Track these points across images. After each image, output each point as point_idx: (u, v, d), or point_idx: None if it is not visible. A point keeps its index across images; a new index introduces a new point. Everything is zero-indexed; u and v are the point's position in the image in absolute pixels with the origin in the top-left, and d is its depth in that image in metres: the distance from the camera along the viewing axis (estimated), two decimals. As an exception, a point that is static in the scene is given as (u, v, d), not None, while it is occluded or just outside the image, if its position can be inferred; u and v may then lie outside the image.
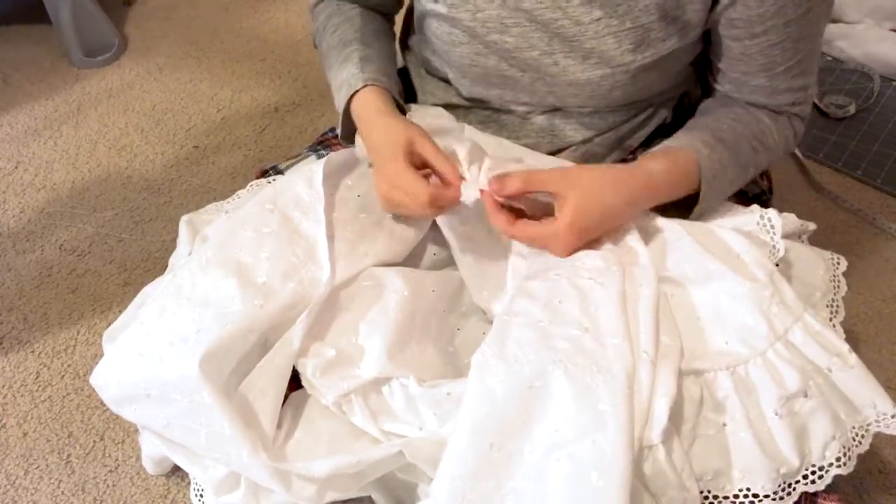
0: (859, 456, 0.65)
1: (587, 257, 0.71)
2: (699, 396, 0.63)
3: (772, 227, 0.73)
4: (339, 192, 0.80)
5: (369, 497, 0.77)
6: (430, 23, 0.81)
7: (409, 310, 0.73)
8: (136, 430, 1.01)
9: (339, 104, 0.84)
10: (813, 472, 0.63)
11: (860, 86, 1.56)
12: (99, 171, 1.47)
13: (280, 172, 0.90)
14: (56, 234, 1.34)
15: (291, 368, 0.71)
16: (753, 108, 0.81)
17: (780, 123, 0.81)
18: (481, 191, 0.72)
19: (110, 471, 1.00)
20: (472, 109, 0.89)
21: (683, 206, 0.78)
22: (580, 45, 0.74)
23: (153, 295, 0.73)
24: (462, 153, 0.75)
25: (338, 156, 0.81)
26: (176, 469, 0.97)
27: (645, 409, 0.60)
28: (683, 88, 0.89)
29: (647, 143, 0.89)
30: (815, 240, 0.83)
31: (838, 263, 0.77)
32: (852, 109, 1.49)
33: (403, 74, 0.97)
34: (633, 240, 0.73)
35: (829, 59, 1.64)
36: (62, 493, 0.98)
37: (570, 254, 0.72)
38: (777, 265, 0.71)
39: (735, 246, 0.71)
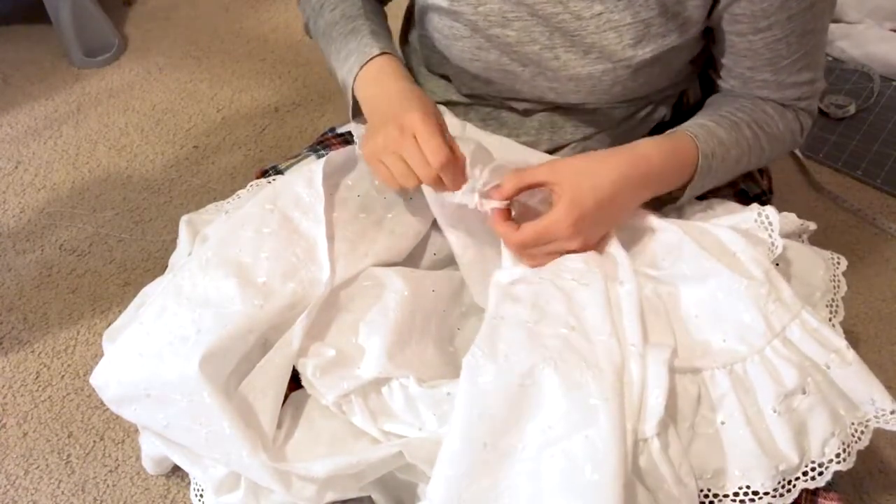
0: (859, 456, 0.65)
1: (568, 261, 0.71)
2: (697, 395, 0.63)
3: (770, 224, 0.73)
4: (339, 192, 0.80)
5: (369, 497, 0.77)
6: (431, 17, 0.81)
7: (409, 310, 0.73)
8: (136, 430, 1.01)
9: (347, 73, 0.80)
10: (812, 469, 0.63)
11: (860, 86, 1.56)
12: (99, 171, 1.47)
13: (280, 172, 0.90)
14: (56, 234, 1.34)
15: (291, 368, 0.71)
16: (759, 101, 0.81)
17: (786, 116, 0.81)
18: (492, 209, 0.72)
19: (110, 471, 1.00)
20: (472, 107, 0.89)
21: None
22: (581, 40, 0.75)
23: (153, 295, 0.73)
24: (467, 154, 0.75)
25: (338, 156, 0.81)
26: (176, 469, 0.97)
27: (637, 402, 0.60)
28: (683, 86, 0.89)
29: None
30: (815, 240, 0.83)
31: (838, 263, 0.77)
32: (852, 109, 1.49)
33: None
34: (611, 245, 0.73)
35: (830, 59, 1.64)
36: (62, 493, 0.98)
37: (582, 242, 0.71)
38: (777, 264, 0.71)
39: (731, 244, 0.71)
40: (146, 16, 1.93)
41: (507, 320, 0.66)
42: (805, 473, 0.63)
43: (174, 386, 0.67)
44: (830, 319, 0.73)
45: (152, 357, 0.68)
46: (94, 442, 1.03)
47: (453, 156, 0.70)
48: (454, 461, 0.59)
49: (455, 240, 0.78)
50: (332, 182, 0.79)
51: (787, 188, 1.37)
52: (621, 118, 0.85)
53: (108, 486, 0.99)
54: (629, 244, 0.75)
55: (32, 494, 0.98)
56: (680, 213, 0.80)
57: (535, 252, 0.73)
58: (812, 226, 0.81)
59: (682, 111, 0.93)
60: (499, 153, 0.80)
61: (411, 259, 0.82)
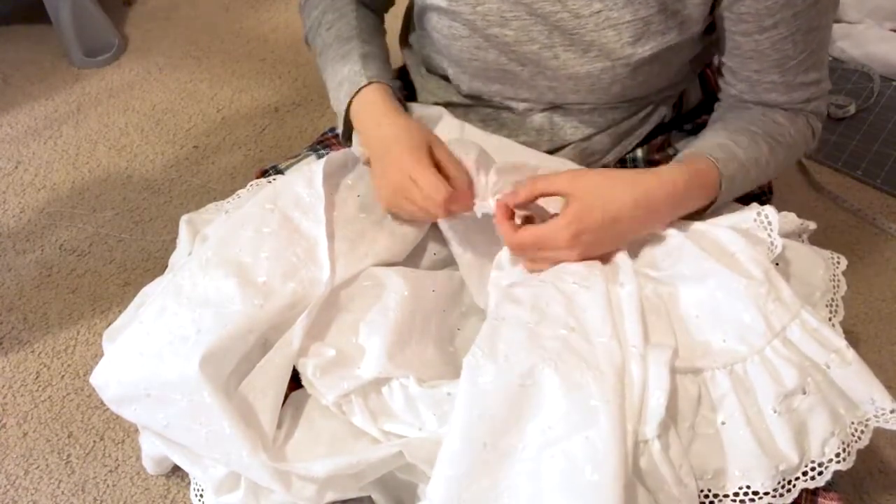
0: (859, 456, 0.65)
1: (569, 264, 0.71)
2: (697, 395, 0.63)
3: (769, 223, 0.73)
4: (339, 192, 0.80)
5: (369, 497, 0.77)
6: (430, 17, 0.81)
7: (409, 310, 0.73)
8: (136, 430, 1.01)
9: (340, 102, 0.83)
10: (812, 469, 0.63)
11: (860, 86, 1.56)
12: (99, 171, 1.47)
13: (280, 172, 0.90)
14: (56, 234, 1.34)
15: (291, 368, 0.71)
16: (767, 108, 0.80)
17: (797, 122, 0.80)
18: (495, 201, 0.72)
19: (110, 471, 1.00)
20: (472, 108, 0.89)
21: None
22: (580, 38, 0.75)
23: (153, 295, 0.73)
24: (470, 162, 0.75)
25: (338, 156, 0.81)
26: (176, 469, 0.97)
27: (638, 403, 0.60)
28: (683, 87, 0.89)
29: (646, 141, 0.89)
30: (815, 240, 0.83)
31: (838, 263, 0.77)
32: (852, 109, 1.50)
33: (403, 73, 0.97)
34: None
35: (830, 59, 1.64)
36: (62, 493, 0.98)
37: (580, 256, 0.70)
38: (776, 264, 0.71)
39: (731, 244, 0.71)
40: (146, 16, 1.93)
41: (508, 321, 0.66)
42: (805, 473, 0.63)
43: (174, 386, 0.67)
44: (830, 319, 0.73)
45: (152, 357, 0.68)
46: (94, 442, 1.03)
47: (452, 185, 0.72)
48: (454, 461, 0.59)
49: (454, 241, 0.78)
50: (332, 182, 0.79)
51: (787, 188, 1.37)
52: (621, 119, 0.85)
53: (108, 486, 0.98)
54: (630, 246, 0.75)
55: (32, 494, 0.98)
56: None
57: (532, 257, 0.73)
58: (812, 226, 0.81)
59: (682, 112, 0.93)
60: (498, 154, 0.80)
61: (411, 259, 0.82)
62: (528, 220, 0.75)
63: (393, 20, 0.95)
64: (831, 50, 1.64)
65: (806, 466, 0.63)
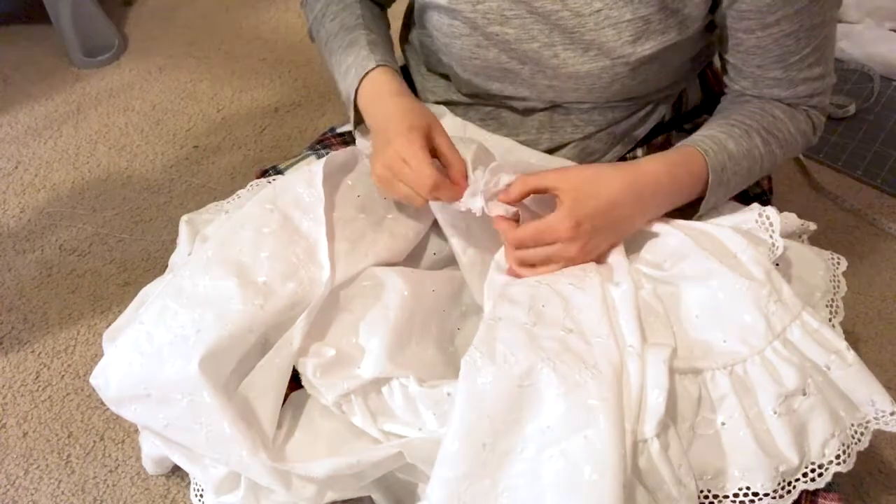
0: (859, 456, 0.65)
1: (565, 269, 0.71)
2: (697, 395, 0.63)
3: (770, 224, 0.73)
4: (339, 192, 0.80)
5: (369, 497, 0.77)
6: (430, 15, 0.81)
7: (409, 310, 0.73)
8: (136, 430, 1.01)
9: (349, 87, 0.82)
10: (812, 471, 0.63)
11: (860, 86, 1.56)
12: (99, 171, 1.47)
13: (280, 172, 0.90)
14: (56, 234, 1.34)
15: (291, 368, 0.71)
16: (767, 103, 0.80)
17: (797, 118, 0.80)
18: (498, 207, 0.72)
19: (110, 471, 1.00)
20: (472, 106, 0.89)
21: (689, 205, 0.77)
22: (580, 37, 0.75)
23: (153, 295, 0.73)
24: (468, 156, 0.75)
25: (338, 156, 0.81)
26: (176, 469, 0.97)
27: (637, 402, 0.60)
28: (682, 86, 0.89)
29: (646, 140, 0.89)
30: (815, 240, 0.83)
31: (838, 263, 0.77)
32: (852, 109, 1.49)
33: (404, 72, 0.97)
34: (611, 253, 0.73)
35: (829, 59, 1.64)
36: (62, 493, 0.98)
37: (579, 251, 0.70)
38: (777, 265, 0.71)
39: (732, 245, 0.71)
40: (146, 16, 1.93)
41: (505, 321, 0.66)
42: (805, 475, 0.63)
43: (174, 385, 0.67)
44: (830, 320, 0.73)
45: (152, 357, 0.68)
46: (94, 442, 1.03)
47: (448, 174, 0.72)
48: (453, 462, 0.59)
49: (455, 240, 0.78)
50: (332, 182, 0.79)
51: (787, 188, 1.37)
52: (621, 118, 0.85)
53: (108, 486, 0.98)
54: (630, 245, 0.75)
55: (32, 494, 0.98)
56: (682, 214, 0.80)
57: (533, 255, 0.72)
58: (812, 226, 0.81)
59: (682, 112, 0.93)
60: (498, 153, 0.80)
61: (411, 259, 0.82)
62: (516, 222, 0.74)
63: (393, 21, 0.95)
64: (831, 50, 1.64)
65: (806, 468, 0.63)
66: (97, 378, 0.71)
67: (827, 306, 0.74)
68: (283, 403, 0.72)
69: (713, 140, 0.76)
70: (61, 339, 1.17)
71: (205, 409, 0.66)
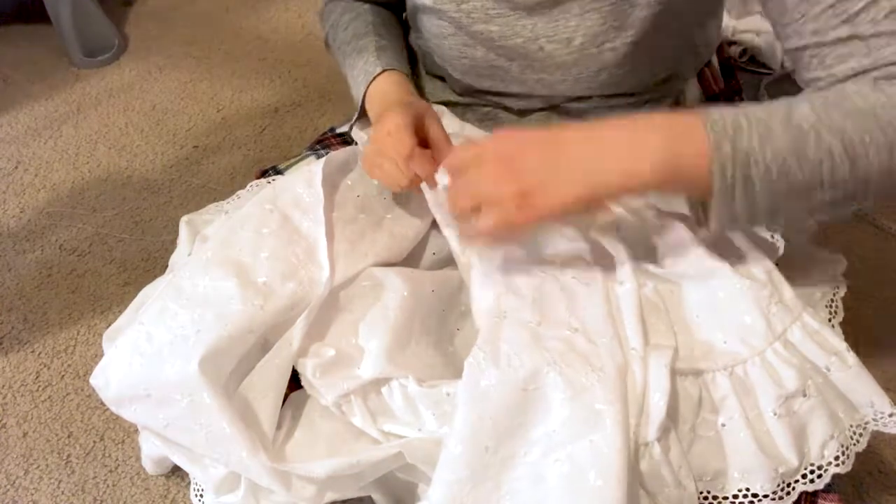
0: (859, 456, 0.65)
1: (571, 259, 0.70)
2: (698, 397, 0.63)
3: None
4: (339, 192, 0.80)
5: (369, 497, 0.77)
6: (420, 17, 0.83)
7: (409, 310, 0.73)
8: (136, 430, 1.01)
9: (358, 94, 0.85)
10: (812, 472, 0.63)
11: (860, 86, 1.56)
12: (99, 171, 1.47)
13: (280, 172, 0.90)
14: (56, 234, 1.34)
15: (291, 369, 0.71)
16: (840, 93, 0.57)
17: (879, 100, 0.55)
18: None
19: (110, 471, 1.00)
20: (469, 107, 0.89)
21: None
22: (564, 26, 0.74)
23: (153, 295, 0.73)
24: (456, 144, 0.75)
25: (338, 156, 0.81)
26: (176, 469, 0.97)
27: (639, 405, 0.60)
28: (679, 84, 0.89)
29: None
30: (815, 240, 0.83)
31: (838, 263, 0.77)
32: (852, 109, 1.49)
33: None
34: (610, 243, 0.72)
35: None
36: (62, 493, 0.98)
37: (513, 178, 0.59)
38: (777, 265, 0.71)
39: (734, 243, 0.71)
40: (146, 16, 1.93)
41: (510, 318, 0.66)
42: (804, 476, 0.63)
43: (174, 386, 0.67)
44: (830, 320, 0.73)
45: (152, 357, 0.68)
46: (94, 442, 1.03)
47: (439, 152, 0.72)
48: (455, 465, 0.59)
49: (454, 240, 0.78)
50: (331, 182, 0.79)
51: (787, 188, 1.37)
52: (621, 117, 0.84)
53: (108, 486, 0.99)
54: (632, 240, 0.75)
55: (32, 494, 0.98)
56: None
57: (464, 188, 0.62)
58: (812, 226, 0.81)
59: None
60: None
61: (411, 259, 0.82)
62: None
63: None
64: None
65: (805, 469, 0.63)
66: (97, 378, 0.71)
67: (827, 306, 0.74)
68: (283, 404, 0.72)
69: (742, 116, 0.55)
70: (61, 339, 1.17)
71: (205, 410, 0.66)
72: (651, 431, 0.59)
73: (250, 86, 1.68)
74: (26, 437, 1.04)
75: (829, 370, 0.65)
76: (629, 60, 0.76)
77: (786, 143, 0.54)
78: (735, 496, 0.62)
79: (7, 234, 1.35)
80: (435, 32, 0.81)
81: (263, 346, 0.71)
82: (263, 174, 0.91)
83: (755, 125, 0.55)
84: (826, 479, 0.63)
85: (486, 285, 0.71)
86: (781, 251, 0.71)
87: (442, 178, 0.71)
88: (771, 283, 0.67)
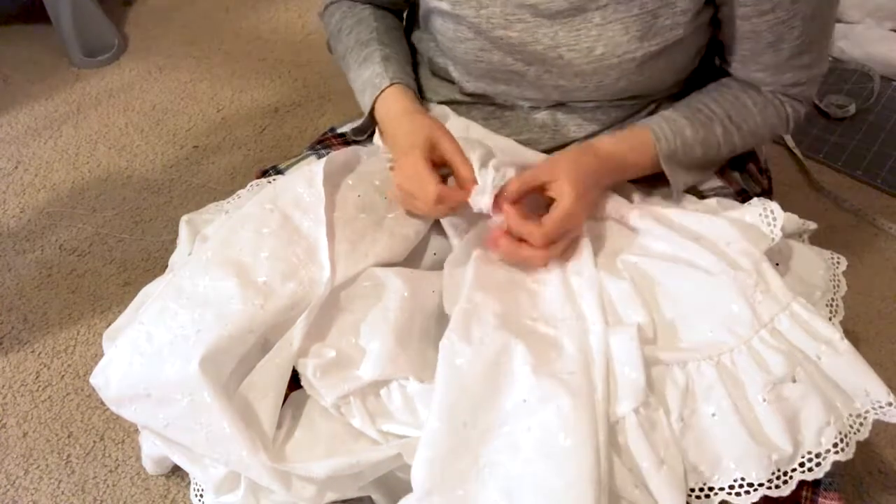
0: (859, 456, 0.64)
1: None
2: (685, 386, 0.64)
3: (773, 219, 0.73)
4: (340, 192, 0.80)
5: (369, 497, 0.77)
6: (434, 20, 0.82)
7: (409, 310, 0.73)
8: (136, 430, 1.01)
9: (365, 105, 0.86)
10: (810, 460, 0.62)
11: (860, 86, 1.56)
12: (99, 171, 1.47)
13: (280, 172, 0.90)
14: (56, 234, 1.35)
15: (291, 369, 0.71)
16: (743, 93, 0.81)
17: (767, 110, 0.82)
18: (497, 208, 0.73)
19: (110, 471, 1.00)
20: (475, 105, 0.89)
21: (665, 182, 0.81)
22: (586, 34, 0.74)
23: (153, 295, 0.73)
24: (475, 156, 0.75)
25: (338, 155, 0.81)
26: (176, 469, 0.97)
27: (603, 380, 0.62)
28: (686, 85, 0.89)
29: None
30: (815, 240, 0.83)
31: (838, 263, 0.77)
32: (852, 109, 1.49)
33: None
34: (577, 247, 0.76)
35: (830, 59, 1.64)
36: (62, 493, 0.98)
37: (581, 224, 0.75)
38: (777, 265, 0.71)
39: (723, 236, 0.71)
40: (146, 16, 1.93)
41: (479, 307, 0.68)
42: (802, 464, 0.62)
43: (174, 385, 0.67)
44: (830, 319, 0.73)
45: (152, 357, 0.68)
46: (94, 442, 1.03)
47: (457, 179, 0.75)
48: (435, 442, 0.61)
49: (456, 241, 0.78)
50: (332, 182, 0.79)
51: (787, 188, 1.37)
52: (624, 116, 0.85)
53: (108, 486, 0.99)
54: (619, 234, 0.76)
55: (32, 494, 0.98)
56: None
57: (560, 245, 0.73)
58: (812, 225, 0.81)
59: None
60: (500, 153, 0.80)
61: (411, 259, 0.82)
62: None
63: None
64: (831, 50, 1.64)
65: (802, 457, 0.62)
66: (97, 378, 0.71)
67: (827, 306, 0.74)
68: (283, 404, 0.72)
69: (671, 125, 0.78)
70: (61, 339, 1.17)
71: (205, 409, 0.66)
72: (623, 406, 0.61)
73: (250, 86, 1.68)
74: (26, 437, 1.04)
75: (819, 358, 0.65)
76: (648, 69, 0.77)
77: (701, 151, 0.80)
78: (731, 486, 0.62)
79: (7, 234, 1.35)
80: (451, 36, 0.80)
81: (264, 346, 0.71)
82: (264, 174, 0.91)
83: (683, 152, 0.80)
84: (826, 466, 0.62)
85: (456, 282, 0.75)
86: (777, 239, 0.71)
87: (476, 201, 0.73)
88: (757, 273, 0.67)
